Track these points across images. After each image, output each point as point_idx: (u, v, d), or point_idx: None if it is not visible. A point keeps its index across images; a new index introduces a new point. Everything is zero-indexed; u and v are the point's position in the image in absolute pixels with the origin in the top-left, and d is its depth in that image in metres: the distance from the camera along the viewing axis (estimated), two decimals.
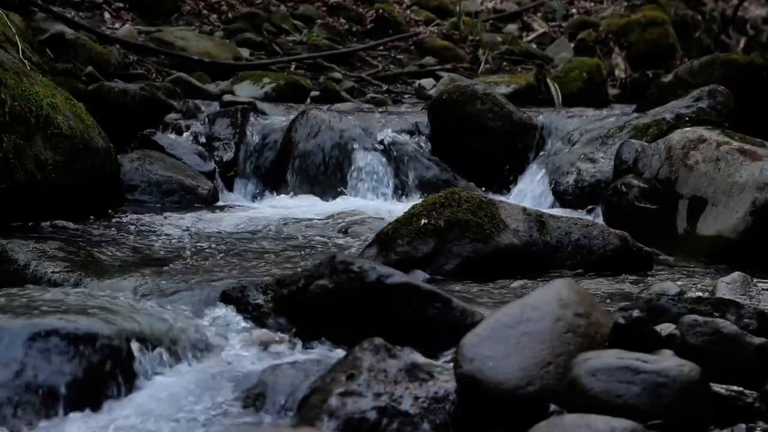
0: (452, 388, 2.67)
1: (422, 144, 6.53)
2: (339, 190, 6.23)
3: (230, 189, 6.36)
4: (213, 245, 4.61)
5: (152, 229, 4.94)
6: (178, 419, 2.74)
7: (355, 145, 6.36)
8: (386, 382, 2.63)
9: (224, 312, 3.31)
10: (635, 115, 6.46)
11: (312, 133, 6.37)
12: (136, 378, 2.91)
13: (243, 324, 3.24)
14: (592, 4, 11.43)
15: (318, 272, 3.19)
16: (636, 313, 2.78)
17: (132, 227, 4.98)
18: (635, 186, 5.01)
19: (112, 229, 4.92)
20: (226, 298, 3.38)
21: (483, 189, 6.20)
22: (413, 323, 3.08)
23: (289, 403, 2.75)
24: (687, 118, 5.91)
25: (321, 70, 8.73)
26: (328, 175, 6.28)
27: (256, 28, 9.22)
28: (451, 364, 2.75)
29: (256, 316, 3.28)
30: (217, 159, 6.39)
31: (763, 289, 3.80)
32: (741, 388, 2.72)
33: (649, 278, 4.16)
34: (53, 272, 3.99)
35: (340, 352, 2.96)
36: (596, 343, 2.72)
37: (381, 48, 9.50)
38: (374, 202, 6.07)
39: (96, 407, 2.79)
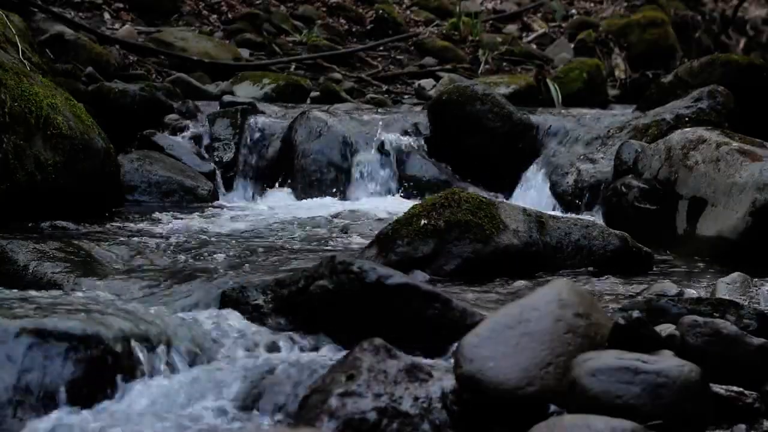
0: (452, 389, 2.67)
1: (422, 144, 6.53)
2: (339, 190, 6.23)
3: (230, 189, 6.36)
4: (213, 245, 4.61)
5: (152, 230, 4.94)
6: (177, 420, 2.74)
7: (355, 146, 6.36)
8: (386, 383, 2.63)
9: (224, 312, 3.30)
10: (635, 115, 6.46)
11: (312, 133, 6.37)
12: (135, 378, 2.91)
13: (243, 324, 3.24)
14: (592, 4, 11.43)
15: (318, 273, 3.19)
16: (636, 313, 2.78)
17: (132, 228, 4.98)
18: (635, 186, 5.01)
19: (112, 229, 4.92)
20: (225, 298, 3.38)
21: (483, 189, 6.19)
22: (413, 323, 3.08)
23: (289, 403, 2.75)
24: (687, 119, 5.91)
25: (321, 70, 8.74)
26: (328, 176, 6.28)
27: (256, 28, 9.23)
28: (451, 364, 2.75)
29: (255, 316, 3.28)
30: (217, 159, 6.39)
31: (763, 289, 3.80)
32: (741, 389, 2.72)
33: (649, 278, 4.16)
34: (53, 273, 3.99)
35: (340, 353, 2.96)
36: (596, 343, 2.72)
37: (381, 48, 9.50)
38: (374, 203, 6.07)
39: (95, 408, 2.79)
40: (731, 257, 4.46)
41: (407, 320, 3.08)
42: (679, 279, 4.15)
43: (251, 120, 6.57)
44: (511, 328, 2.70)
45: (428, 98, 7.72)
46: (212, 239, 4.79)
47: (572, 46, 9.95)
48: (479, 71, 9.17)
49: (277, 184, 6.34)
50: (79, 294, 3.60)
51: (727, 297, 3.49)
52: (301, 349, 3.12)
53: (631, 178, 5.08)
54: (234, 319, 3.27)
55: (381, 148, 6.41)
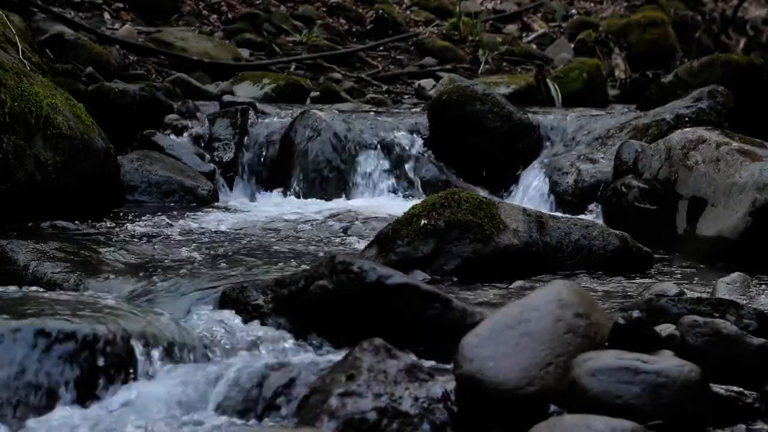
0: (452, 389, 2.67)
1: (422, 144, 6.53)
2: (339, 190, 6.23)
3: (230, 189, 6.36)
4: (213, 245, 4.61)
5: (152, 230, 4.94)
6: (177, 420, 2.74)
7: (355, 146, 6.36)
8: (386, 383, 2.63)
9: (224, 312, 3.31)
10: (635, 115, 6.46)
11: (312, 133, 6.37)
12: (135, 378, 2.91)
13: (243, 324, 3.24)
14: (592, 4, 11.43)
15: (318, 273, 3.19)
16: (636, 313, 2.78)
17: (132, 228, 4.98)
18: (635, 186, 5.01)
19: (112, 229, 4.92)
20: (225, 298, 3.38)
21: (483, 189, 6.20)
22: (413, 323, 3.08)
23: (289, 403, 2.75)
24: (687, 119, 5.91)
25: (321, 70, 8.73)
26: (328, 175, 6.28)
27: (256, 28, 9.22)
28: (451, 365, 2.75)
29: (255, 316, 3.28)
30: (217, 159, 6.39)
31: (763, 289, 3.81)
32: (741, 389, 2.72)
33: (649, 278, 4.16)
34: (53, 273, 3.99)
35: (340, 353, 2.96)
36: (596, 343, 2.72)
37: (381, 48, 9.50)
38: (374, 202, 6.07)
39: (95, 407, 2.79)
40: (731, 257, 4.46)
41: (407, 320, 3.08)
42: (679, 279, 4.15)
43: (251, 120, 6.57)
44: (511, 328, 2.70)
45: (428, 98, 7.71)
46: (212, 239, 4.79)
47: (572, 46, 9.94)
48: (479, 71, 9.16)
49: (277, 184, 6.34)
50: (79, 294, 3.60)
51: (727, 297, 3.49)
52: (301, 349, 3.12)
53: (631, 178, 5.08)
54: (234, 319, 3.27)
55: (381, 148, 6.41)
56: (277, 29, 9.38)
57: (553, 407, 2.58)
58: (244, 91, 7.64)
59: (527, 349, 2.65)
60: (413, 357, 2.80)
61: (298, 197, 6.21)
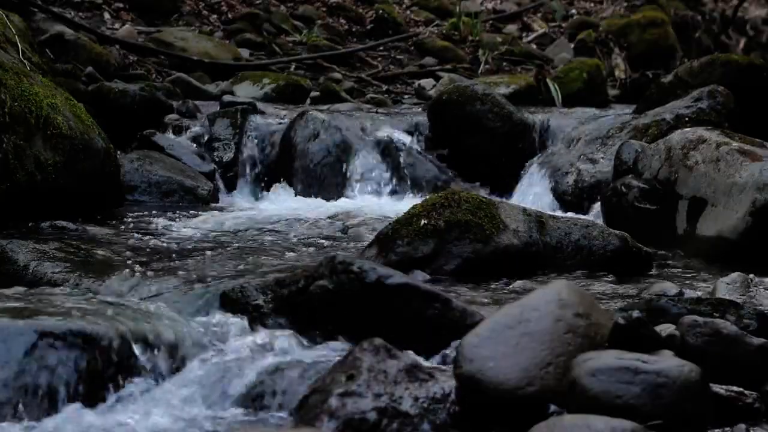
0: (452, 389, 2.67)
1: (422, 144, 6.53)
2: (339, 190, 6.22)
3: (230, 189, 6.36)
4: (213, 245, 4.61)
5: (152, 230, 4.94)
6: (178, 420, 2.74)
7: (355, 146, 6.36)
8: (386, 383, 2.63)
9: (224, 312, 3.31)
10: (635, 115, 6.46)
11: (312, 133, 6.37)
12: (135, 378, 2.91)
13: (243, 324, 3.24)
14: (592, 4, 11.44)
15: (318, 273, 3.19)
16: (636, 313, 2.78)
17: (132, 228, 4.98)
18: (635, 186, 5.01)
19: (112, 229, 4.92)
20: (226, 298, 3.39)
21: (483, 189, 6.20)
22: (413, 323, 3.08)
23: (289, 403, 2.75)
24: (687, 119, 5.91)
25: (321, 70, 8.73)
26: (328, 176, 6.28)
27: (256, 28, 9.23)
28: (451, 365, 2.75)
29: (256, 316, 3.28)
30: (217, 159, 6.39)
31: (763, 289, 3.80)
32: (741, 389, 2.72)
33: (649, 279, 4.16)
34: (53, 273, 3.99)
35: (340, 353, 2.96)
36: (596, 343, 2.72)
37: (381, 48, 9.50)
38: (374, 203, 6.06)
39: (95, 408, 2.79)
40: (731, 257, 4.46)
41: (407, 320, 3.08)
42: (679, 279, 4.15)
43: (251, 120, 6.57)
44: (511, 328, 2.70)
45: (428, 98, 7.71)
46: (212, 239, 4.79)
47: (572, 46, 9.94)
48: (479, 71, 9.16)
49: (276, 184, 6.34)
50: (79, 294, 3.60)
51: (727, 297, 3.49)
52: (301, 349, 3.12)
53: (631, 178, 5.08)
54: (234, 319, 3.27)
55: (381, 148, 6.41)
56: (277, 29, 9.39)
57: (553, 407, 2.59)
58: (244, 91, 7.64)
59: (527, 349, 2.65)
60: (413, 357, 2.80)
61: (298, 197, 6.21)
